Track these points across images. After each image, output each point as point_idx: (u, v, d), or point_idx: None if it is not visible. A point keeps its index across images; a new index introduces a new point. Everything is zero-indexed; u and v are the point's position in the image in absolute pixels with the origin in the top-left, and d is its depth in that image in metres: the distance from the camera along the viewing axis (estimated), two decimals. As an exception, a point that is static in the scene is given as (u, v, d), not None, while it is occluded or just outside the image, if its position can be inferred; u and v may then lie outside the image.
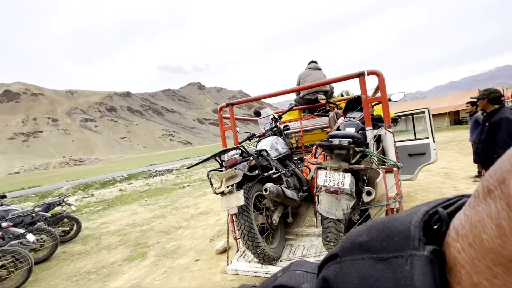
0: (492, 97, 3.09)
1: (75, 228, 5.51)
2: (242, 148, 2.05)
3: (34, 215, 4.72)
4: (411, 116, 4.38)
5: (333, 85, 4.07)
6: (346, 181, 1.70)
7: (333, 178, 1.74)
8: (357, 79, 2.13)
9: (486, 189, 0.15)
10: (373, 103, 2.76)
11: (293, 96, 4.46)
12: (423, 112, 4.03)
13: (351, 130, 2.46)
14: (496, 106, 3.12)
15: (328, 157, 2.53)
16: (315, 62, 4.14)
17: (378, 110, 3.22)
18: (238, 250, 2.43)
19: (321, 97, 3.02)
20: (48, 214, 5.17)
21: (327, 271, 0.21)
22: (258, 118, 3.27)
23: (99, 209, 8.74)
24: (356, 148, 1.84)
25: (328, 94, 3.88)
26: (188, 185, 11.29)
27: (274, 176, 2.21)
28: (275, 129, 3.08)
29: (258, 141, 3.00)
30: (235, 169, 1.90)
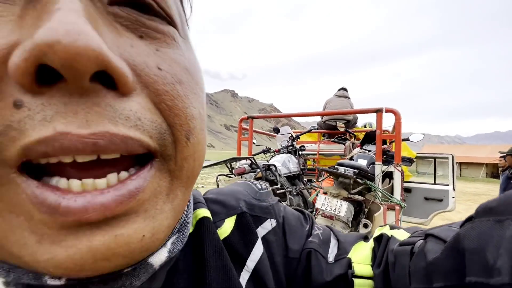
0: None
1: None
2: (252, 160, 2.17)
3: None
4: (434, 160, 4.25)
5: (359, 115, 4.11)
6: (342, 208, 1.75)
7: (331, 203, 1.79)
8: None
9: None
10: (391, 140, 2.77)
11: (318, 119, 4.55)
12: (447, 158, 3.90)
13: (363, 162, 2.50)
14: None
15: (328, 180, 2.58)
16: (345, 89, 4.19)
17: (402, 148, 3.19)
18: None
19: (340, 125, 3.08)
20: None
21: (462, 229, 0.23)
22: (276, 134, 3.39)
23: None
24: (359, 180, 1.88)
25: (351, 123, 3.91)
26: (203, 186, 11.56)
27: (278, 191, 2.30)
28: (291, 147, 3.18)
29: (272, 156, 3.11)
30: (242, 177, 2.02)
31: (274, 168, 2.40)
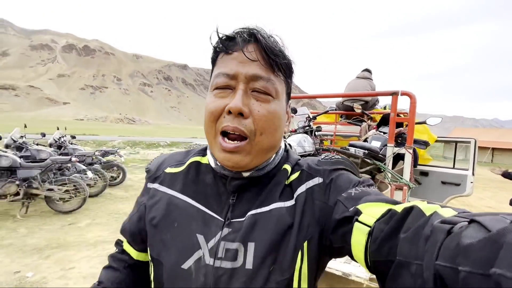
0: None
1: (121, 176, 6.43)
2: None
3: (94, 157, 5.67)
4: (455, 143, 4.16)
5: (381, 97, 4.04)
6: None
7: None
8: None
9: None
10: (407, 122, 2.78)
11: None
12: (469, 142, 3.81)
13: (377, 144, 2.56)
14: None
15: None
16: (368, 70, 4.08)
17: (418, 131, 3.18)
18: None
19: (357, 106, 3.10)
20: (104, 159, 6.13)
21: (510, 225, 0.24)
22: (293, 115, 3.48)
23: (142, 166, 9.87)
24: (368, 160, 1.98)
25: (369, 104, 3.88)
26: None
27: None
28: (307, 127, 3.27)
29: (289, 136, 3.23)
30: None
31: (289, 147, 2.53)
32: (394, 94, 2.18)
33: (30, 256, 2.92)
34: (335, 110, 4.20)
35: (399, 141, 2.57)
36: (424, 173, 3.84)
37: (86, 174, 4.66)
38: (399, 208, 0.38)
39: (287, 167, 0.53)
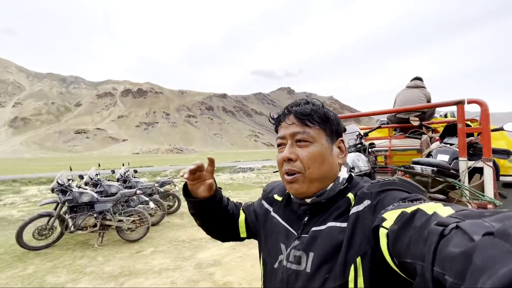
0: None
1: (176, 204, 6.85)
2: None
3: (153, 189, 6.19)
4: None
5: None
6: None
7: (408, 203, 1.75)
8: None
9: None
10: (478, 131, 2.48)
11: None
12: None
13: (444, 158, 2.32)
14: None
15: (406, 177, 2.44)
16: (419, 79, 3.82)
17: (494, 138, 2.81)
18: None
19: (414, 119, 2.88)
20: (162, 189, 6.64)
21: (481, 241, 0.26)
22: (343, 133, 3.38)
23: (193, 193, 10.39)
24: (439, 179, 1.79)
25: (426, 115, 3.58)
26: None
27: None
28: (359, 145, 3.13)
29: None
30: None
31: (357, 177, 2.43)
32: (459, 103, 1.99)
33: (108, 282, 3.22)
34: (387, 123, 3.97)
35: (471, 151, 2.29)
36: (509, 185, 3.31)
37: (148, 204, 5.08)
38: (409, 209, 0.42)
39: (351, 195, 0.63)
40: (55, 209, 4.47)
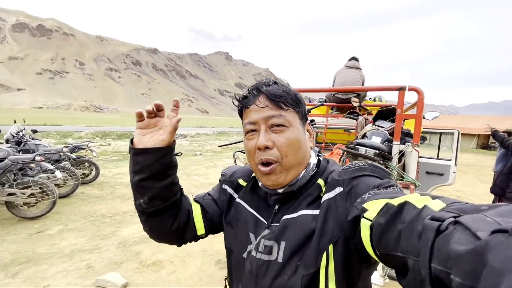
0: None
1: (93, 173, 5.91)
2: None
3: (61, 154, 5.10)
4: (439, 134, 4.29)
5: (366, 85, 3.99)
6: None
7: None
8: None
9: None
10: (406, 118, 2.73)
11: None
12: (453, 134, 3.94)
13: (377, 140, 2.49)
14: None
15: (347, 160, 2.58)
16: (356, 59, 3.97)
17: (408, 123, 3.18)
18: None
19: (354, 100, 3.00)
20: (73, 156, 5.55)
21: (494, 239, 0.24)
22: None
23: (115, 159, 9.22)
24: (380, 161, 1.89)
25: (361, 96, 3.82)
26: (200, 154, 11.63)
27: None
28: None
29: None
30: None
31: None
32: (401, 89, 2.08)
33: (-8, 275, 2.53)
34: (325, 101, 4.10)
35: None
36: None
37: (53, 173, 4.16)
38: (395, 201, 0.41)
39: (321, 181, 0.61)
40: None
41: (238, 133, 26.88)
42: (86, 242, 3.27)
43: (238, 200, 0.71)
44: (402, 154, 2.49)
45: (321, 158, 0.68)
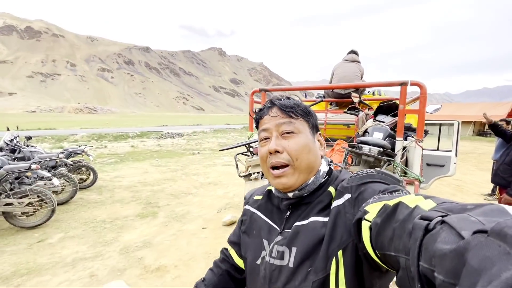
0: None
1: (91, 177, 5.83)
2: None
3: (58, 160, 5.01)
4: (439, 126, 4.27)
5: (364, 79, 3.94)
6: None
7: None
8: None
9: None
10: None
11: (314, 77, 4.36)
12: (452, 125, 3.92)
13: (379, 135, 2.45)
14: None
15: (349, 157, 2.56)
16: (355, 52, 3.89)
17: (408, 117, 3.16)
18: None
19: (354, 95, 2.96)
20: (69, 161, 5.47)
21: (474, 239, 0.25)
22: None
23: (112, 161, 9.13)
24: (380, 157, 1.86)
25: (359, 90, 3.78)
26: (199, 153, 11.56)
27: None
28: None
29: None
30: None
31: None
32: (403, 84, 2.05)
33: (-6, 289, 2.48)
34: (323, 97, 4.06)
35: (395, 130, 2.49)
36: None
37: (51, 181, 4.08)
38: (391, 202, 0.42)
39: (332, 189, 0.63)
40: None
41: (235, 130, 26.80)
42: (88, 250, 3.22)
43: (252, 210, 0.77)
44: (404, 150, 2.46)
45: (332, 167, 0.70)
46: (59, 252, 3.17)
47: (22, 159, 4.93)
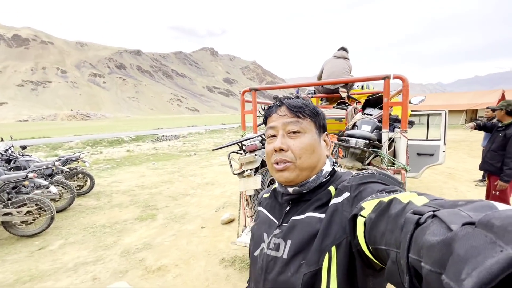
0: (510, 109, 3.09)
1: (88, 183, 5.85)
2: (263, 136, 2.17)
3: (54, 168, 5.03)
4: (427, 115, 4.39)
5: (353, 72, 4.03)
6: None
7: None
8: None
9: None
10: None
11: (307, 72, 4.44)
12: (440, 114, 4.04)
13: (367, 128, 2.54)
14: (514, 119, 3.13)
15: (340, 151, 2.64)
16: (345, 49, 3.98)
17: (396, 109, 3.25)
18: (246, 226, 2.66)
19: (342, 90, 3.04)
20: (66, 168, 5.48)
21: (461, 230, 0.26)
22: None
23: (108, 167, 9.12)
24: (367, 149, 1.95)
25: (348, 85, 3.87)
26: (195, 154, 11.59)
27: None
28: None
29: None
30: (256, 155, 2.03)
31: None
32: (386, 78, 2.13)
33: (-2, 297, 2.52)
34: (314, 93, 4.14)
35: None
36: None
37: (48, 189, 4.11)
38: (386, 198, 0.44)
39: (332, 188, 0.66)
40: None
41: (230, 129, 26.81)
42: (89, 254, 3.27)
43: (259, 208, 0.82)
44: (392, 141, 2.56)
45: (336, 168, 0.73)
46: (60, 258, 3.21)
47: (18, 168, 4.94)
